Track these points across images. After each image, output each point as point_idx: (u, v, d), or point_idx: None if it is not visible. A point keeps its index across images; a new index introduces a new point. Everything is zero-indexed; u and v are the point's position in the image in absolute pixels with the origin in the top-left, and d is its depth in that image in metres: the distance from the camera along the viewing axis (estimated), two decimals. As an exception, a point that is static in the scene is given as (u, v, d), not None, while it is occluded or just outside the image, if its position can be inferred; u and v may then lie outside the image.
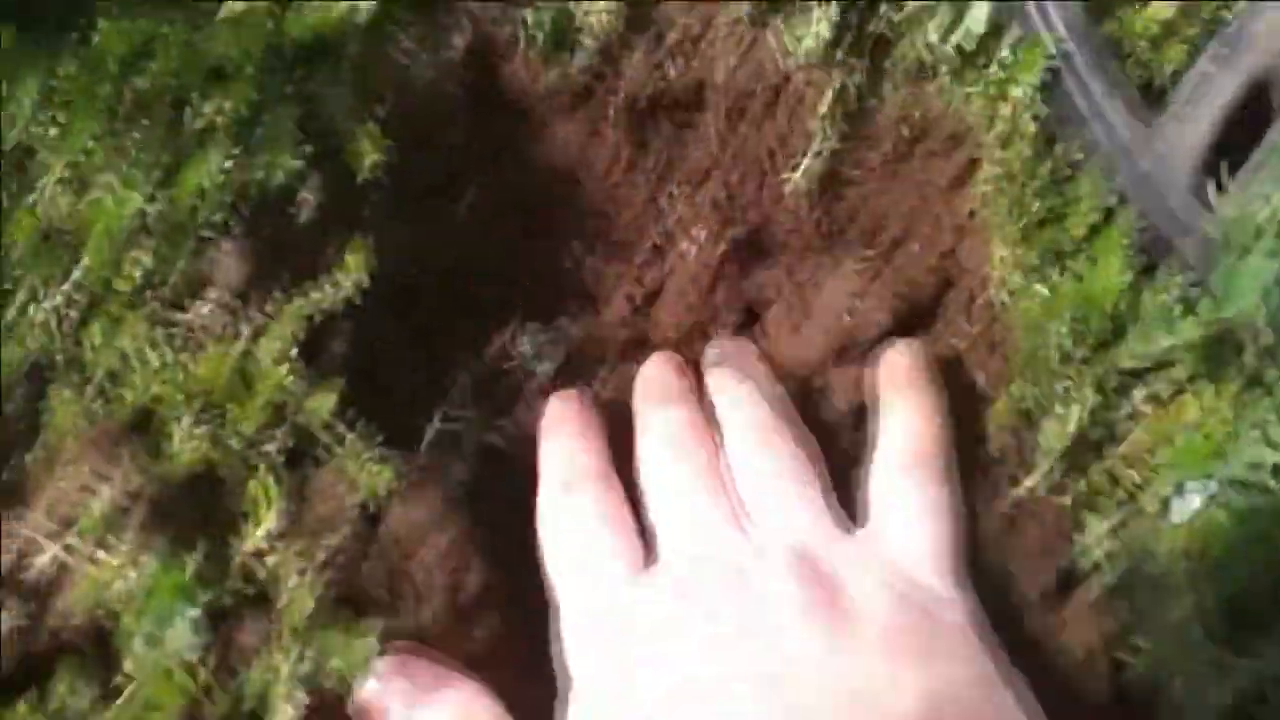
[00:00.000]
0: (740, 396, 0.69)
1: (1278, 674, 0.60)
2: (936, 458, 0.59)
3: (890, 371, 0.70)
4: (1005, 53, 0.70)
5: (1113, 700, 0.62)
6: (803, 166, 0.79)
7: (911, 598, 0.53)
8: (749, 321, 0.81)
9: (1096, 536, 0.65)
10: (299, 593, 0.57)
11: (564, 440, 0.62)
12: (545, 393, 0.76)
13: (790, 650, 0.48)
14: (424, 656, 0.54)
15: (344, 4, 0.71)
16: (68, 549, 0.63)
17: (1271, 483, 0.64)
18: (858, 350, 0.75)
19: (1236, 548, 0.62)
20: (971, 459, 0.68)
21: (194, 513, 0.63)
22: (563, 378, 0.79)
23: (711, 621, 0.50)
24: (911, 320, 0.77)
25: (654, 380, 0.74)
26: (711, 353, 0.76)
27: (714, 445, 0.66)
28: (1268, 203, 0.59)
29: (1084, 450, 0.69)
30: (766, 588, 0.52)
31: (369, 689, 0.52)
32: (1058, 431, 0.67)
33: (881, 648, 0.50)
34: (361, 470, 0.63)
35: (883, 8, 0.73)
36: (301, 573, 0.58)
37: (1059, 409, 0.68)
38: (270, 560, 0.60)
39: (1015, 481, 0.68)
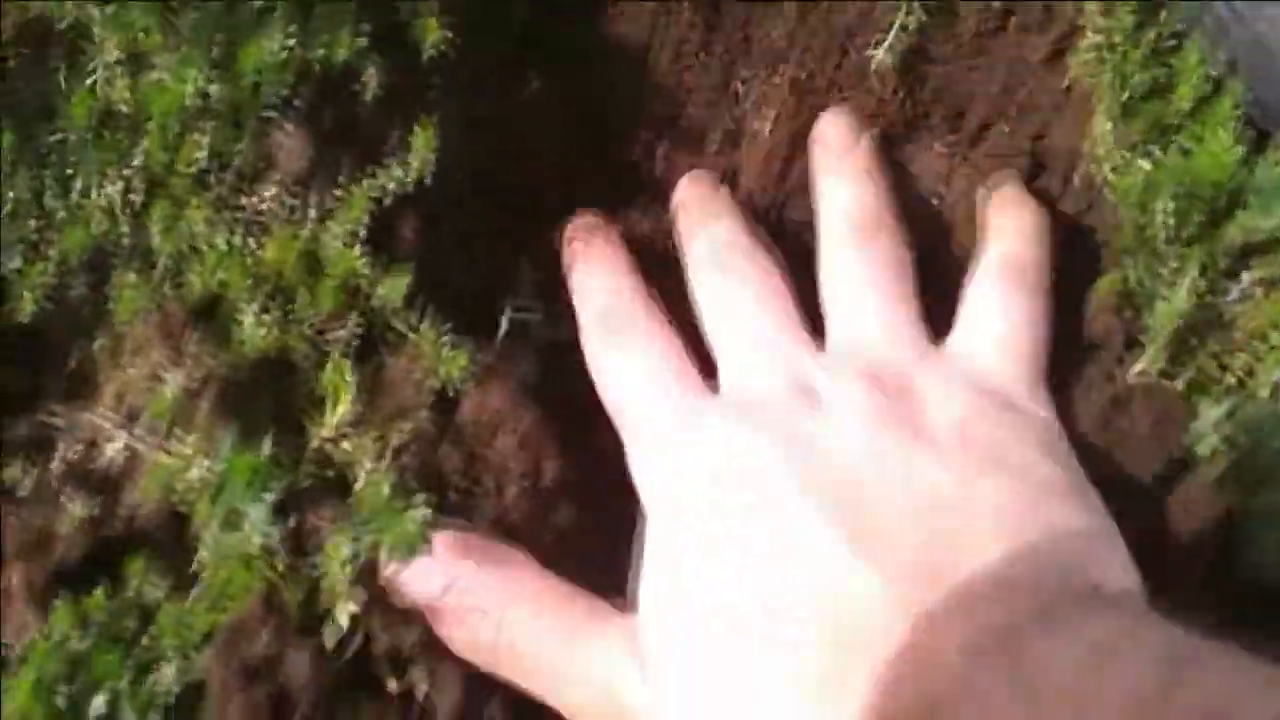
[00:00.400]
0: (842, 191, 0.65)
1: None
2: (1029, 270, 0.57)
3: (997, 196, 0.69)
4: (1110, -91, 0.65)
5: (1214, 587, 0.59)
6: (886, 43, 0.74)
7: (988, 408, 0.50)
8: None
9: (1209, 422, 0.61)
10: (374, 478, 0.55)
11: (593, 274, 0.59)
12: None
13: (861, 464, 0.46)
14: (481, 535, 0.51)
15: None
16: (137, 437, 0.62)
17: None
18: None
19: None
20: (1074, 342, 0.65)
21: (265, 399, 0.61)
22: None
23: (779, 445, 0.47)
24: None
25: (690, 201, 0.71)
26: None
27: (770, 258, 0.63)
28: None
29: (1192, 334, 0.65)
30: (835, 403, 0.49)
31: (424, 565, 0.49)
32: (1165, 313, 0.63)
33: (957, 458, 0.47)
34: (437, 356, 0.61)
35: None
36: (378, 458, 0.56)
37: (1165, 290, 0.64)
38: (345, 446, 0.58)
39: (1120, 364, 0.64)
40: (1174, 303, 0.64)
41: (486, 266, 0.73)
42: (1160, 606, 0.51)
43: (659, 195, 0.80)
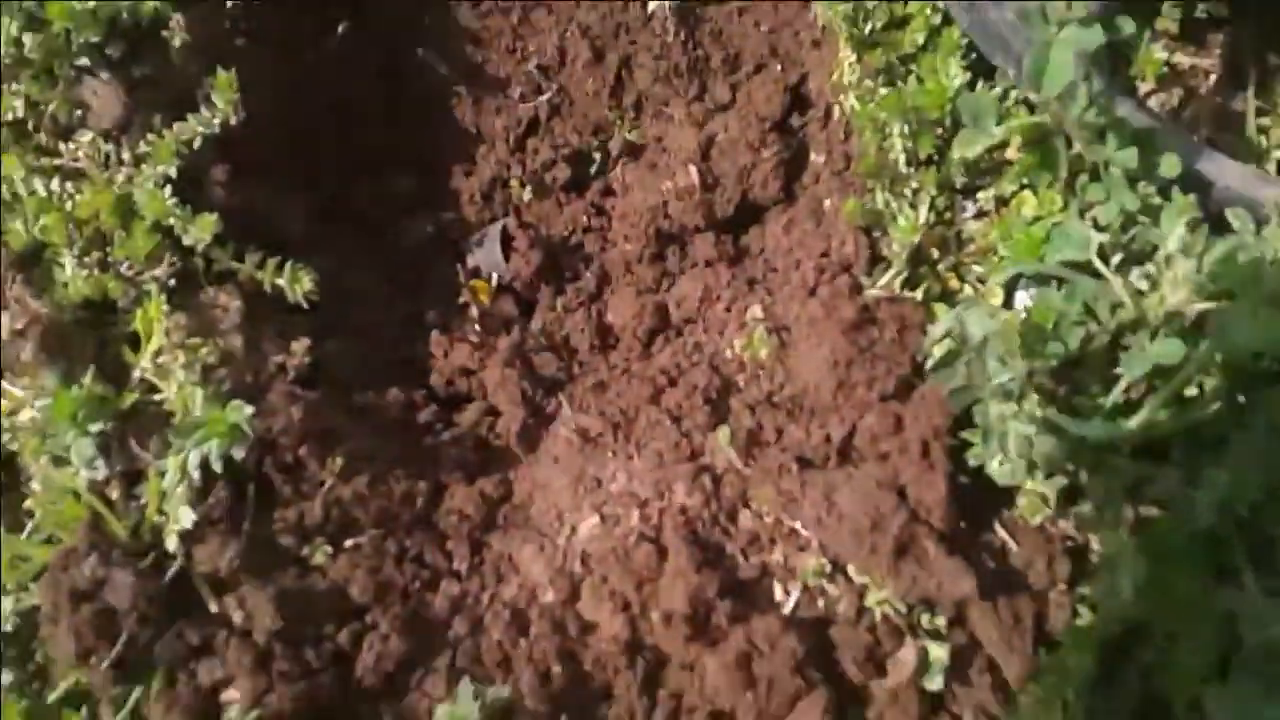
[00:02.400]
0: None
1: (1099, 437, 0.66)
2: None
3: None
4: None
5: (952, 483, 0.67)
6: (666, -11, 0.80)
7: None
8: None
9: (945, 326, 0.69)
10: (186, 391, 0.59)
11: None
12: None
13: None
14: None
15: None
16: (-32, 382, 0.65)
17: (1098, 262, 0.69)
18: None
19: (1065, 322, 0.68)
20: (826, 260, 0.72)
21: (88, 339, 0.65)
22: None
23: None
24: (777, 137, 0.81)
25: None
26: None
27: None
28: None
29: (933, 248, 0.73)
30: None
31: None
32: (903, 229, 0.71)
33: None
34: (280, 275, 0.66)
35: None
36: (190, 375, 0.61)
37: (907, 210, 0.72)
38: (161, 370, 0.62)
39: (868, 279, 0.72)
40: (914, 220, 0.72)
41: (297, 208, 0.77)
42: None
43: (468, 140, 0.86)
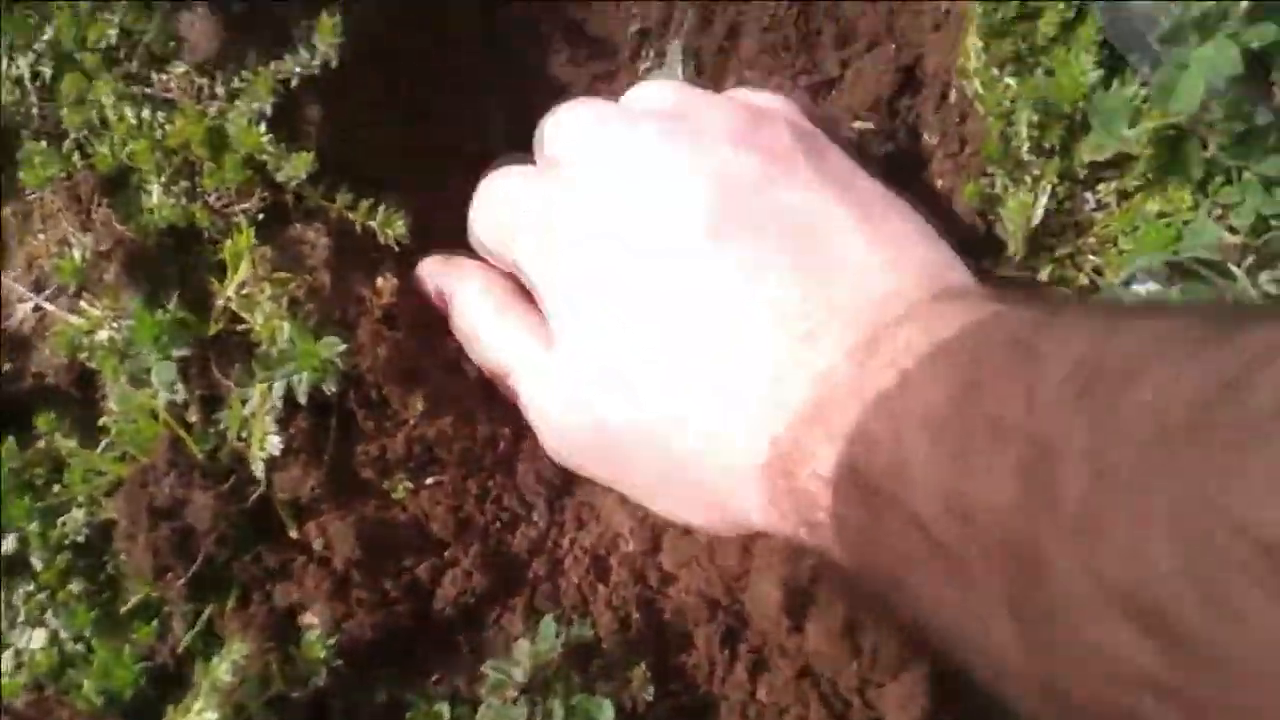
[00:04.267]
0: None
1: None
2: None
3: None
4: None
5: None
6: (781, -43, 0.82)
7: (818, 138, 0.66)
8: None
9: None
10: (272, 324, 0.62)
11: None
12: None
13: (730, 175, 0.59)
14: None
15: None
16: (47, 299, 0.67)
17: (1232, 265, 0.69)
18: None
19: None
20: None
21: (172, 266, 0.68)
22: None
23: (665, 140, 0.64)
24: (886, 116, 0.81)
25: None
26: None
27: None
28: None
29: (1051, 236, 0.74)
30: (701, 123, 0.63)
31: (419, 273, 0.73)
32: (1024, 215, 0.71)
33: (815, 179, 0.60)
34: (373, 217, 0.68)
35: None
36: (276, 308, 0.62)
37: (1025, 195, 0.73)
38: (248, 301, 0.64)
39: (985, 259, 0.73)
40: (1033, 206, 0.72)
41: (394, 144, 0.79)
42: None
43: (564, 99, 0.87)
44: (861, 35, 0.84)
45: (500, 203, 0.72)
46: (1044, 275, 0.74)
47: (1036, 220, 0.73)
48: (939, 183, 0.78)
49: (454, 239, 0.81)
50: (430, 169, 0.83)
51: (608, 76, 0.89)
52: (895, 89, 0.82)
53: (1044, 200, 0.74)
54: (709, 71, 0.88)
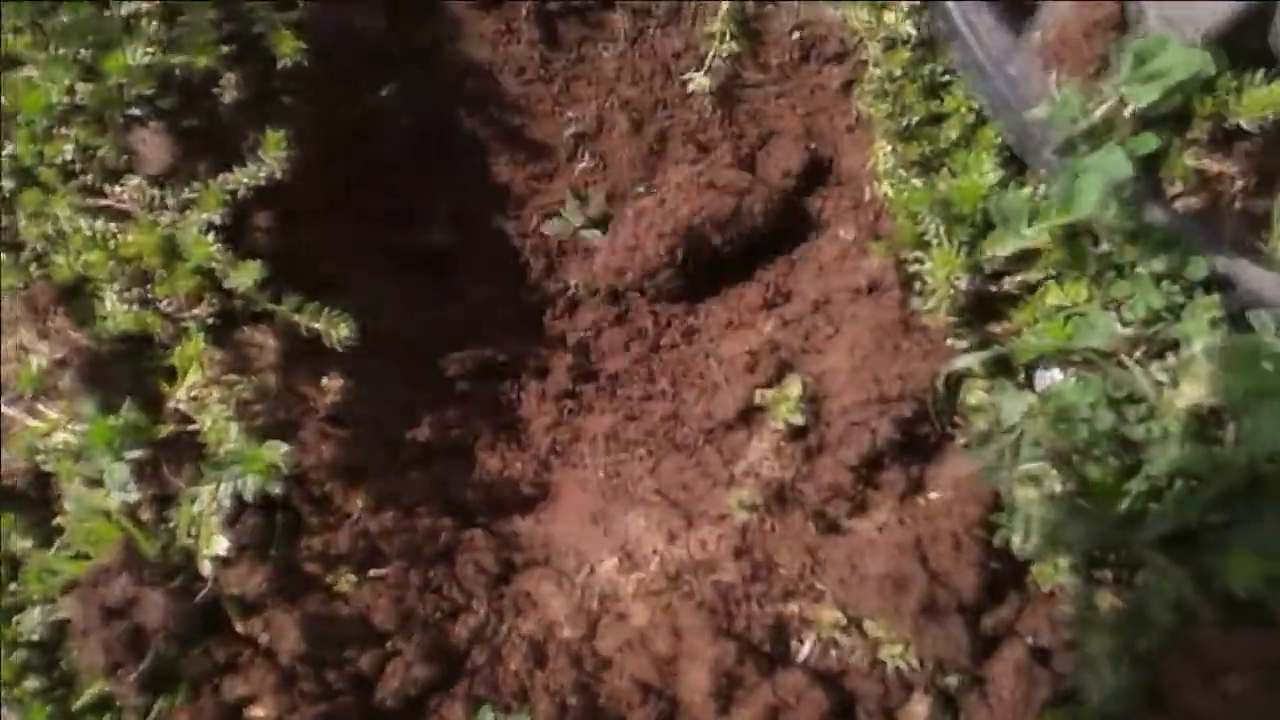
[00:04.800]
0: None
1: (1118, 516, 0.72)
2: None
3: None
4: (888, -37, 0.79)
5: (985, 576, 0.73)
6: (705, 69, 0.88)
7: None
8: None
9: (972, 403, 0.76)
10: (220, 425, 0.66)
11: None
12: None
13: None
14: None
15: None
16: (8, 404, 0.71)
17: (1124, 356, 0.75)
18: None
19: (1085, 411, 0.74)
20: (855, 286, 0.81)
21: (125, 371, 0.72)
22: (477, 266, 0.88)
23: None
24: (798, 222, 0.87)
25: None
26: None
27: None
28: (1104, 107, 0.70)
29: (964, 325, 0.79)
30: None
31: None
32: (943, 261, 0.78)
33: None
34: (313, 323, 0.72)
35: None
36: (225, 410, 0.66)
37: (942, 248, 0.78)
38: (197, 404, 0.68)
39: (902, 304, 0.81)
40: (949, 254, 0.78)
41: (341, 252, 0.83)
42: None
43: (511, 201, 0.92)
44: (784, 137, 0.90)
45: None
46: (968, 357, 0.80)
47: (953, 307, 0.78)
48: (853, 248, 0.84)
49: (398, 337, 0.86)
50: (376, 269, 0.87)
51: (545, 177, 0.94)
52: (805, 180, 0.88)
53: (960, 287, 0.79)
54: (640, 170, 0.93)
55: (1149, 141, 0.74)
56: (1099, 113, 0.71)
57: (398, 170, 0.92)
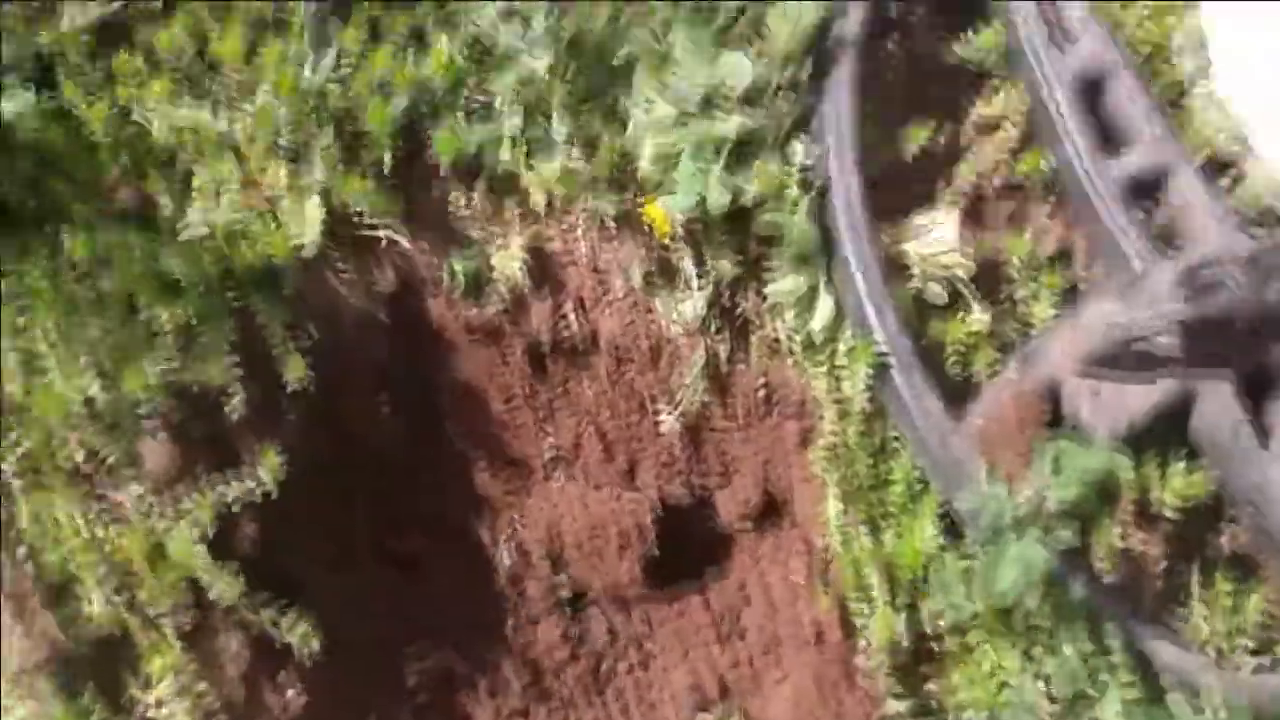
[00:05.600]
0: None
1: None
2: None
3: None
4: (845, 342, 0.88)
5: None
6: (677, 411, 0.95)
7: None
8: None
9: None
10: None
11: None
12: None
13: None
14: None
15: (293, 237, 0.87)
16: (-19, 700, 0.74)
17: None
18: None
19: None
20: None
21: (103, 669, 0.75)
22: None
23: None
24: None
25: None
26: None
27: None
28: (1028, 502, 0.77)
29: (908, 676, 0.84)
30: None
31: None
32: (880, 658, 0.82)
33: None
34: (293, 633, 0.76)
35: (749, 295, 0.92)
36: (190, 713, 0.70)
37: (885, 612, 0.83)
38: (165, 713, 0.71)
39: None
40: (888, 618, 0.83)
41: (324, 564, 0.88)
42: None
43: (487, 512, 0.98)
44: (742, 474, 0.97)
45: None
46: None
47: (894, 665, 0.83)
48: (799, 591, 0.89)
49: (364, 640, 0.90)
50: (350, 570, 0.92)
51: (521, 491, 1.00)
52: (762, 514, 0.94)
53: (902, 645, 0.84)
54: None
55: (1069, 534, 0.80)
56: (1024, 506, 0.78)
57: (384, 477, 0.98)
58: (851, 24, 0.91)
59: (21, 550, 0.79)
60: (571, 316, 0.95)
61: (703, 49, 0.86)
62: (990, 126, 0.96)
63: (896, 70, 0.98)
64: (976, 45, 0.97)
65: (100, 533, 0.79)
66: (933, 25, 1.00)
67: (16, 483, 0.80)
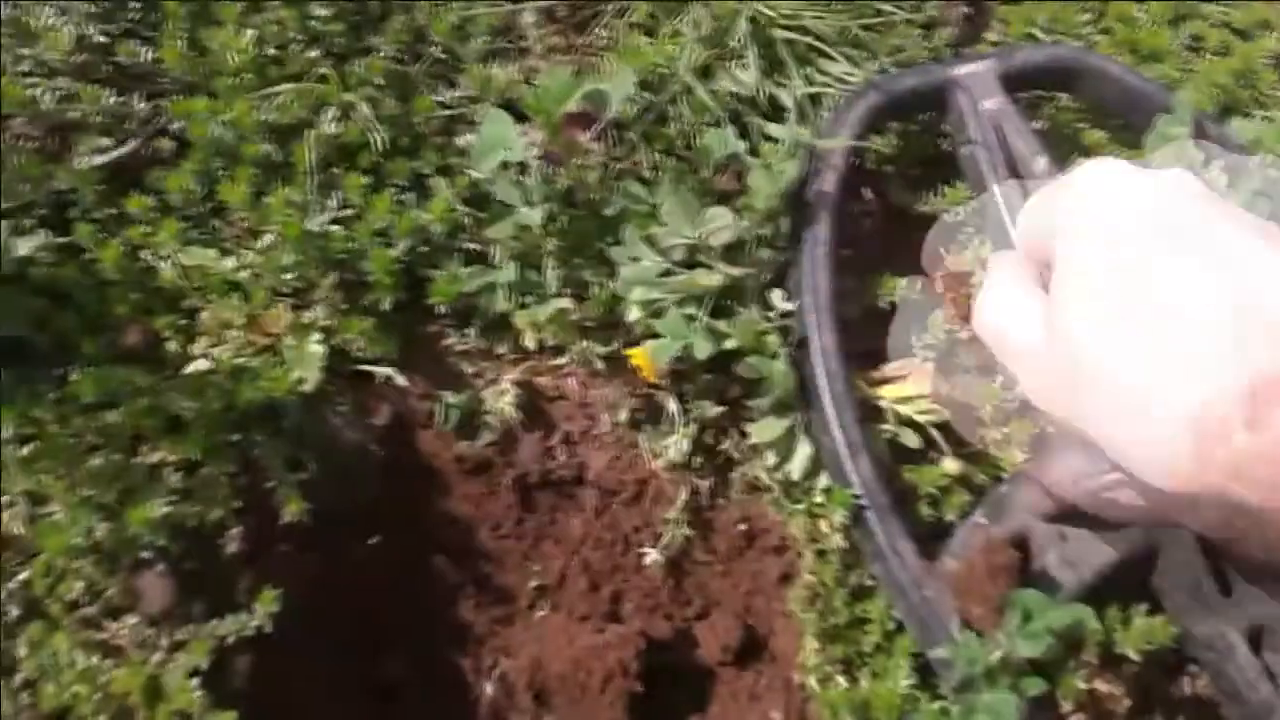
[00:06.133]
0: None
1: None
2: None
3: None
4: (822, 485, 0.91)
5: None
6: (660, 545, 0.98)
7: None
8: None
9: None
10: None
11: None
12: None
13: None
14: None
15: (294, 375, 0.90)
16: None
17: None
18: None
19: None
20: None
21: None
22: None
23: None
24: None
25: None
26: None
27: None
28: (997, 654, 0.80)
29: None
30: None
31: None
32: None
33: None
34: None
35: (731, 435, 0.95)
36: None
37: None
38: None
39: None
40: None
41: (316, 699, 0.90)
42: None
43: (471, 642, 1.00)
44: (723, 609, 1.00)
45: None
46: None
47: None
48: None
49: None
50: (335, 699, 0.94)
51: (506, 621, 1.03)
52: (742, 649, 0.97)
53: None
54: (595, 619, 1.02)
55: (1037, 684, 0.83)
56: (994, 657, 0.81)
57: (372, 606, 1.00)
58: (828, 181, 0.96)
59: (19, 678, 0.81)
60: (559, 452, 0.99)
61: (688, 205, 0.91)
62: (960, 278, 1.01)
63: (872, 223, 1.04)
64: (947, 200, 1.03)
65: (97, 664, 0.81)
66: (905, 180, 1.06)
67: (15, 612, 0.83)
